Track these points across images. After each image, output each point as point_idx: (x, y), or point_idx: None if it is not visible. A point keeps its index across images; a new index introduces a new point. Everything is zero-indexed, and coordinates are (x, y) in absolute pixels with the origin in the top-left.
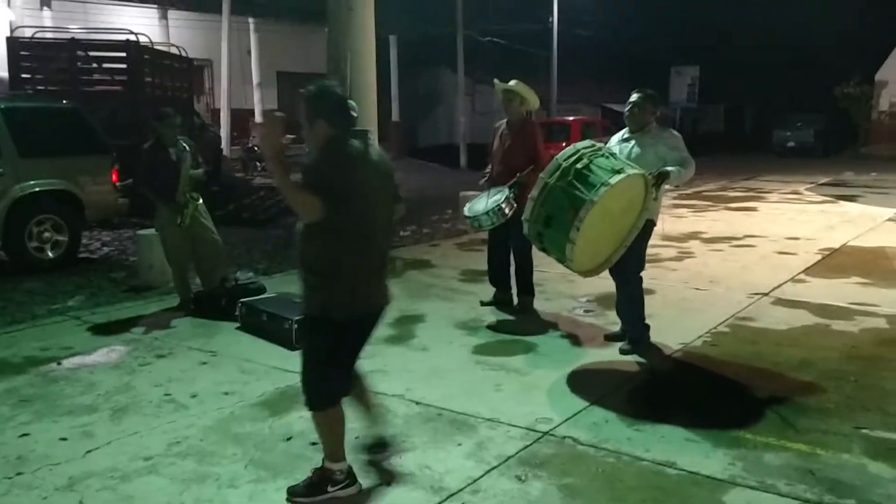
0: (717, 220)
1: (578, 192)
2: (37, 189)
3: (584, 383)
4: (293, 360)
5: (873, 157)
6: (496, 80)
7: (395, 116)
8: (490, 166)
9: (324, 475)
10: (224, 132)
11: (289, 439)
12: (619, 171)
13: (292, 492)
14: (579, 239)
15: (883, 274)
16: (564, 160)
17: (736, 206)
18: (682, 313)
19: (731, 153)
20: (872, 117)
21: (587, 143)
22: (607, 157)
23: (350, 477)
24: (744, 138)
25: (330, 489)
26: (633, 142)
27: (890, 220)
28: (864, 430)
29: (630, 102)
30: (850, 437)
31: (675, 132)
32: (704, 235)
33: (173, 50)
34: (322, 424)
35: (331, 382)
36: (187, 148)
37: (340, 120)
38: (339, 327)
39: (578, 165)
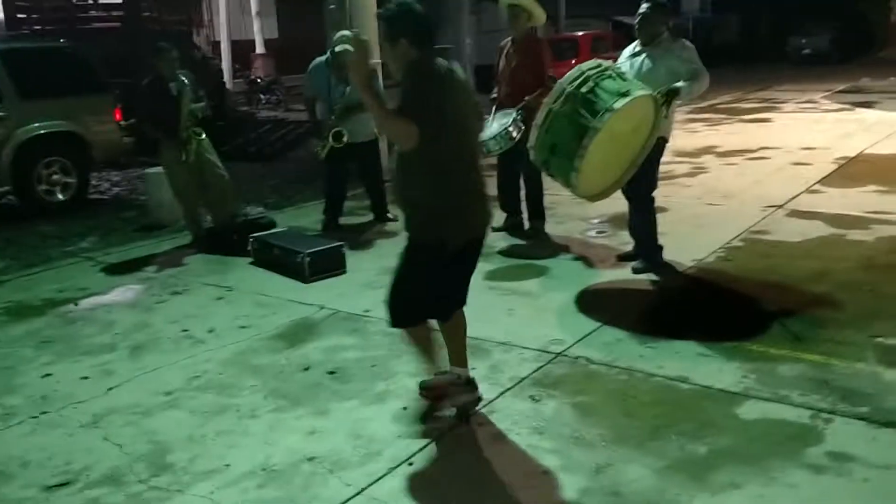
0: (731, 134)
1: (583, 118)
2: (41, 131)
3: (597, 304)
4: (307, 293)
5: (891, 61)
6: None
7: None
8: (496, 88)
9: (435, 390)
10: (225, 65)
11: (306, 369)
12: (624, 95)
13: (424, 386)
14: (584, 166)
15: None
16: (569, 84)
17: (750, 117)
18: (695, 229)
19: (746, 63)
20: (891, 20)
21: (592, 63)
22: (614, 79)
23: (468, 384)
24: (759, 48)
25: (447, 401)
26: (644, 55)
27: None
28: (878, 339)
29: (639, 14)
30: (865, 347)
31: (688, 43)
32: (718, 149)
33: None
34: (410, 342)
35: (417, 302)
36: (187, 82)
37: (424, 39)
38: (446, 254)
39: (583, 90)
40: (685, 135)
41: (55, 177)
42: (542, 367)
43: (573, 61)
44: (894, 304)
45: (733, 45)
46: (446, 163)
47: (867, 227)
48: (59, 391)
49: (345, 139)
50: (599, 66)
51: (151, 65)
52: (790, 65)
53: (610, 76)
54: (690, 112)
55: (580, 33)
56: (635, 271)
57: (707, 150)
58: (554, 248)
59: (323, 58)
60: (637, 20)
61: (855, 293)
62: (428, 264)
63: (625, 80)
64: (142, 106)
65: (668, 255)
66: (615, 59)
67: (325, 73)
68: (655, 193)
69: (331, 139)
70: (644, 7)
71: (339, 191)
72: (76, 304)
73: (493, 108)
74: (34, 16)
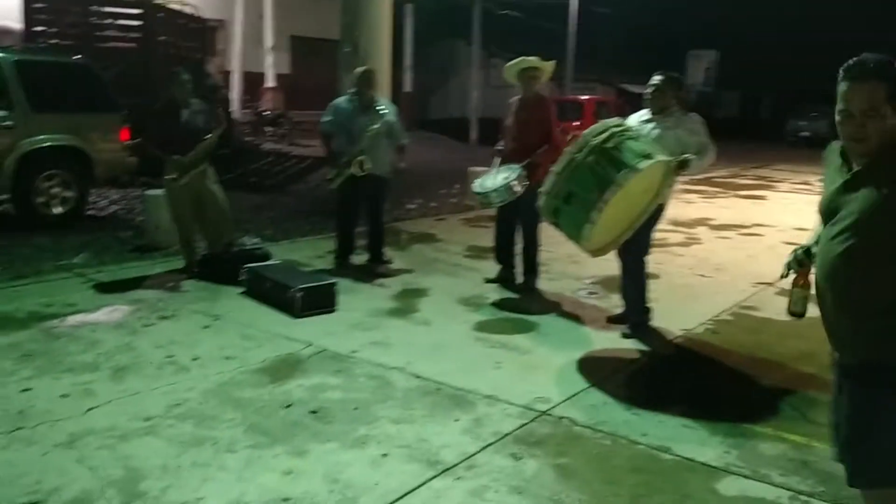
0: (726, 208)
1: (606, 172)
2: (47, 144)
3: (585, 365)
4: (296, 328)
5: None
6: (520, 59)
7: (407, 87)
8: (502, 141)
9: None
10: (235, 95)
11: (288, 406)
12: (647, 156)
13: None
14: (600, 219)
15: None
16: (594, 137)
17: (746, 193)
18: (685, 299)
19: (745, 140)
20: None
21: (616, 121)
22: (636, 140)
23: None
24: (759, 126)
25: None
26: (654, 124)
27: None
28: None
29: (652, 84)
30: None
31: (698, 116)
32: (713, 222)
33: (187, 9)
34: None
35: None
36: (200, 110)
37: None
38: None
39: (608, 145)
40: (681, 205)
41: (54, 190)
42: (525, 424)
43: (576, 123)
44: None
45: (734, 120)
46: None
47: None
48: (37, 407)
49: (367, 167)
50: (622, 125)
51: (166, 88)
52: (787, 145)
53: (632, 137)
54: (687, 183)
55: (585, 97)
56: (624, 336)
57: (701, 222)
58: (545, 305)
59: (345, 97)
60: (649, 91)
61: None
62: None
63: (645, 142)
64: (152, 127)
65: (657, 323)
66: None
67: (346, 108)
68: (648, 258)
69: (355, 168)
70: (657, 79)
71: (352, 228)
72: (63, 320)
73: (498, 160)
74: (52, 30)
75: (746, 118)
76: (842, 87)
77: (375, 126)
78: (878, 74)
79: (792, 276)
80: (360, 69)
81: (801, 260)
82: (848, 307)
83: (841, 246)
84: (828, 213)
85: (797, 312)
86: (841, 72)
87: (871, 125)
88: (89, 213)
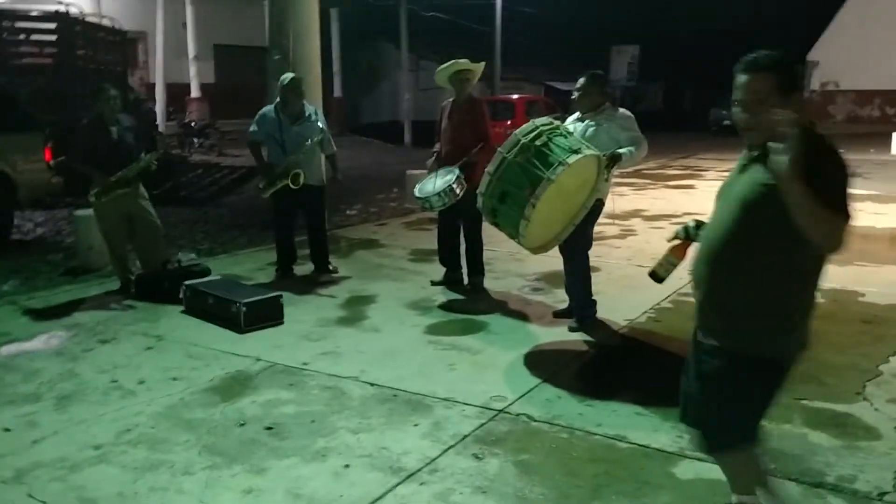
0: (657, 199)
1: (536, 169)
2: None
3: (536, 361)
4: (242, 343)
5: None
6: (451, 62)
7: (337, 92)
8: (438, 146)
9: None
10: (159, 107)
11: (242, 425)
12: (576, 151)
13: None
14: (534, 216)
15: None
16: (524, 136)
17: (675, 184)
18: (626, 290)
19: (669, 132)
20: (804, 96)
21: (546, 119)
22: (565, 136)
23: None
24: (682, 117)
25: None
26: (587, 122)
27: None
28: (803, 401)
29: (577, 87)
30: (791, 408)
31: (628, 112)
32: (646, 213)
33: (106, 22)
34: (733, 463)
35: (748, 424)
36: (127, 125)
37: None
38: (778, 369)
39: (537, 142)
40: (615, 198)
41: None
42: (484, 424)
43: (509, 122)
44: (816, 368)
45: (658, 113)
46: (816, 262)
47: None
48: None
49: (301, 181)
50: (552, 123)
51: (91, 105)
52: (711, 135)
53: (562, 134)
54: (617, 176)
55: (515, 96)
56: (571, 329)
57: (635, 214)
58: (492, 304)
59: (271, 106)
60: (575, 93)
61: None
62: (758, 380)
63: (575, 138)
64: (78, 145)
65: (601, 314)
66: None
67: (274, 118)
68: (590, 252)
69: (290, 181)
70: (581, 81)
71: (291, 237)
72: None
73: (431, 162)
74: None
75: (670, 110)
76: (736, 79)
77: (317, 139)
78: (767, 67)
79: (674, 243)
80: (286, 77)
81: (690, 232)
82: (718, 294)
83: (719, 230)
84: (719, 196)
85: (659, 276)
86: (737, 65)
87: (760, 115)
88: (15, 237)
